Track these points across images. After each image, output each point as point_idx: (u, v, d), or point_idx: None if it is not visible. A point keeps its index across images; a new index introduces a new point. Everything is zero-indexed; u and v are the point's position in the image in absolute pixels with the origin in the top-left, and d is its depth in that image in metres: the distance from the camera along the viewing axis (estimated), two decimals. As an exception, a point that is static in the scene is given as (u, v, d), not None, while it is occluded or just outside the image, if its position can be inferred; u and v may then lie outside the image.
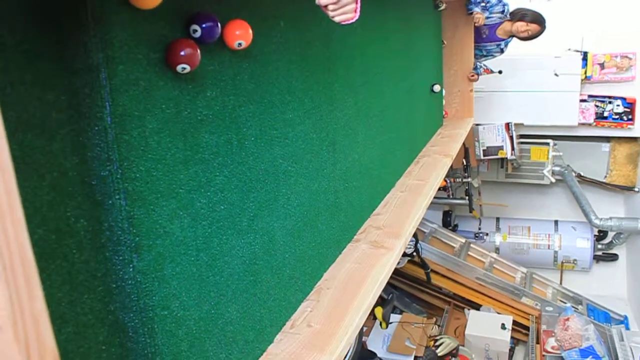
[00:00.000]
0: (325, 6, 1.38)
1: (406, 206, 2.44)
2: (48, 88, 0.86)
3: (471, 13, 4.04)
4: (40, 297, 0.60)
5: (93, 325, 0.95)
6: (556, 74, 5.35)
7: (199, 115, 1.18)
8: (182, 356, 1.13)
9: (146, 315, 1.03)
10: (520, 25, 4.04)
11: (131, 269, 1.00)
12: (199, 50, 1.11)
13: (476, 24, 4.08)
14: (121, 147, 0.97)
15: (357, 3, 1.39)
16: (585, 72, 5.35)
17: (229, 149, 1.29)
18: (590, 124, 5.50)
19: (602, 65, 5.31)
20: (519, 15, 4.07)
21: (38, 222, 0.85)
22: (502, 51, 4.37)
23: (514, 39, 4.26)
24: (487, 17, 4.14)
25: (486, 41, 4.30)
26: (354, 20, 1.41)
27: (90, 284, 0.95)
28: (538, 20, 4.03)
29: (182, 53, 1.07)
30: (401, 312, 4.72)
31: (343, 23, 1.41)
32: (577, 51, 5.36)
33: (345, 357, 1.76)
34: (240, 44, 1.25)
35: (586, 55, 5.32)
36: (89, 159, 0.94)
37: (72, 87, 0.90)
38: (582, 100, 5.44)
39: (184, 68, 1.08)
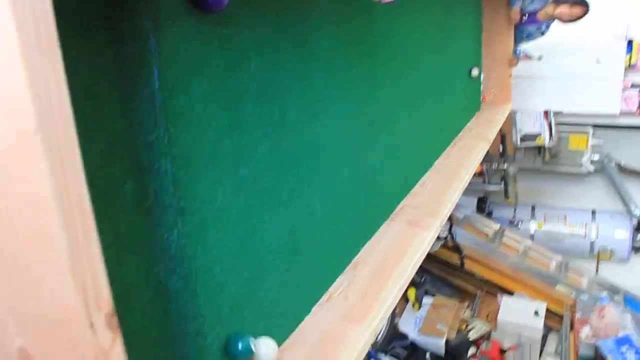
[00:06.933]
0: None
1: (443, 187, 2.43)
2: (98, 53, 0.88)
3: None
4: (97, 247, 0.63)
5: (138, 286, 0.98)
6: (598, 61, 5.23)
7: (243, 86, 1.19)
8: (223, 321, 1.15)
9: (189, 279, 1.06)
10: (564, 8, 3.96)
11: (175, 233, 1.02)
12: None
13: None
14: (168, 112, 0.98)
15: None
16: (630, 60, 5.22)
17: (271, 122, 1.30)
18: (633, 113, 5.37)
19: (647, 53, 5.18)
20: None
21: (88, 183, 0.87)
22: (542, 33, 4.26)
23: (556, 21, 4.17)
24: (530, 4, 4.05)
25: (526, 24, 4.21)
26: None
27: (136, 246, 0.97)
28: (581, 2, 3.94)
29: None
30: (433, 295, 4.71)
31: (383, 2, 1.40)
32: (622, 39, 5.23)
33: (377, 336, 1.77)
34: None
35: (631, 43, 5.19)
36: (136, 123, 0.96)
37: (122, 53, 0.92)
38: (625, 89, 5.31)
39: None
